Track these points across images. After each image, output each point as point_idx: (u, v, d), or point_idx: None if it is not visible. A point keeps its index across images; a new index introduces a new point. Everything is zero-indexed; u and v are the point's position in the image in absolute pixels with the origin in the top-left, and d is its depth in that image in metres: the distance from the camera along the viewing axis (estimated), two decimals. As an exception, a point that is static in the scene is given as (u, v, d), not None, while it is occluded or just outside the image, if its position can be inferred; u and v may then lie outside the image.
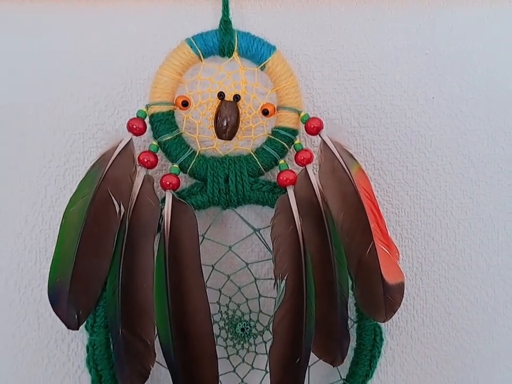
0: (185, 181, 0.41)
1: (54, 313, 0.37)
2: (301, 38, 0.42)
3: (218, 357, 0.39)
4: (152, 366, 0.39)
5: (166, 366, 0.38)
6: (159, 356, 0.39)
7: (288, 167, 0.40)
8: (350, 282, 0.40)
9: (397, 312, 0.39)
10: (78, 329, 0.38)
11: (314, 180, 0.40)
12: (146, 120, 0.40)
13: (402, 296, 0.39)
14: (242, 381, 0.43)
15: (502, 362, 0.46)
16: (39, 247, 0.42)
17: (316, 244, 0.39)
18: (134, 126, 0.39)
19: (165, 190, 0.39)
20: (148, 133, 0.40)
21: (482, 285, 0.46)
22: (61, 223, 0.37)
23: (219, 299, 0.42)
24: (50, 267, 0.37)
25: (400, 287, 0.39)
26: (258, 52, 0.39)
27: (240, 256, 0.43)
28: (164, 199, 0.39)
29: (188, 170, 0.40)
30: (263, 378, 0.43)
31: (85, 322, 0.39)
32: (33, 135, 0.42)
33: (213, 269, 0.42)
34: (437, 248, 0.45)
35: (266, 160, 0.40)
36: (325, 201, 0.39)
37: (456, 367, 0.46)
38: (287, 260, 0.38)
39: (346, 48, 0.43)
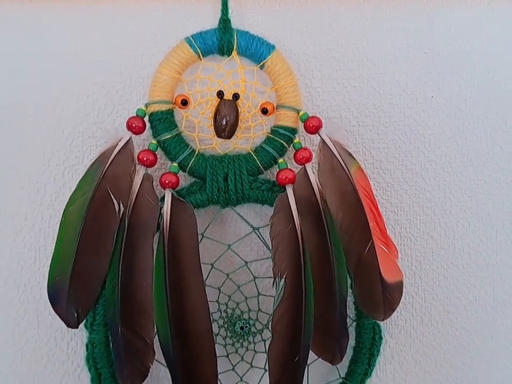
0: (185, 180, 0.41)
1: (53, 312, 0.38)
2: (300, 37, 0.42)
3: (217, 355, 0.39)
4: (152, 364, 0.39)
5: (165, 364, 0.38)
6: (159, 354, 0.39)
7: (287, 166, 0.40)
8: (349, 280, 0.40)
9: (395, 311, 0.39)
10: (77, 327, 0.39)
11: (313, 178, 0.40)
12: (146, 118, 0.40)
13: (401, 295, 0.39)
14: (242, 379, 0.43)
15: (501, 361, 0.46)
16: (38, 246, 0.43)
17: (315, 243, 0.39)
18: (134, 125, 0.39)
19: (164, 189, 0.39)
20: (147, 131, 0.40)
21: (481, 284, 0.46)
22: (61, 221, 0.37)
23: (218, 297, 0.42)
24: (50, 265, 0.38)
25: (399, 286, 0.39)
26: (257, 50, 0.39)
27: (239, 254, 0.43)
28: (163, 198, 0.39)
29: (187, 169, 0.40)
30: (262, 377, 0.43)
31: (85, 320, 0.39)
32: (33, 134, 0.42)
33: (212, 268, 0.42)
34: (436, 247, 0.45)
35: (265, 159, 0.40)
36: (324, 200, 0.39)
37: (455, 365, 0.46)
38: (286, 258, 0.38)
39: (346, 47, 0.43)
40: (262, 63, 0.40)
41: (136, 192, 0.39)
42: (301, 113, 0.40)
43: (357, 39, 0.43)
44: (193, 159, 0.40)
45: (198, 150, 0.40)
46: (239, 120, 0.40)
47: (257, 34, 0.40)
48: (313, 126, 0.40)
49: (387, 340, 0.45)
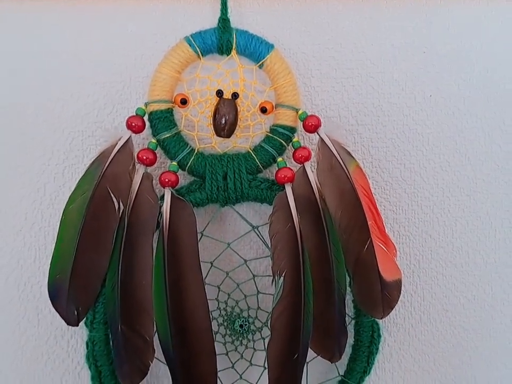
0: (184, 179, 0.41)
1: (53, 310, 0.38)
2: (299, 36, 0.42)
3: (217, 353, 0.39)
4: (151, 362, 0.39)
5: (165, 362, 0.38)
6: (158, 352, 0.39)
7: (286, 165, 0.40)
8: (347, 279, 0.40)
9: (394, 309, 0.39)
10: (77, 325, 0.39)
11: (312, 177, 0.40)
12: (145, 118, 0.40)
13: (400, 293, 0.39)
14: (241, 377, 0.43)
15: (499, 359, 0.46)
16: (38, 244, 0.43)
17: (313, 241, 0.39)
18: (133, 124, 0.39)
19: (163, 187, 0.39)
20: (147, 130, 0.40)
21: (480, 282, 0.46)
22: (61, 220, 0.38)
23: (218, 296, 0.43)
24: (50, 264, 0.38)
25: (398, 284, 0.39)
26: (256, 50, 0.39)
27: (238, 253, 0.43)
28: (162, 197, 0.39)
29: (187, 167, 0.40)
30: (261, 375, 0.43)
31: (85, 318, 0.39)
32: (33, 133, 0.42)
33: (211, 266, 0.42)
34: (435, 246, 0.45)
35: (264, 157, 0.40)
36: (323, 199, 0.39)
37: (454, 364, 0.46)
38: (285, 256, 0.39)
39: (344, 46, 0.43)
40: (261, 62, 0.40)
41: (136, 191, 0.39)
42: (300, 112, 0.40)
43: (356, 39, 0.43)
44: (193, 158, 0.40)
45: (198, 149, 0.41)
46: (238, 119, 0.40)
47: (256, 33, 0.40)
48: (312, 125, 0.40)
49: (386, 338, 0.45)
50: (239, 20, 0.41)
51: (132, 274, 0.39)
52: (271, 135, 0.41)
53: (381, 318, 0.40)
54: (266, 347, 0.39)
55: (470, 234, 0.45)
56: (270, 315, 0.39)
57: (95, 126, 0.42)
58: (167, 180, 0.39)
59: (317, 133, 0.40)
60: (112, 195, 0.38)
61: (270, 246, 0.39)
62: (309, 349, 0.39)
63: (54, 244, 0.38)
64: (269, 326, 0.39)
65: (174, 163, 0.40)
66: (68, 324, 0.38)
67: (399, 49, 0.43)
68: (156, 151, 0.40)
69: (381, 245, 0.38)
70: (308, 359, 0.40)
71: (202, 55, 0.40)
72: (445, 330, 0.46)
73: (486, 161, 0.45)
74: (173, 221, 0.38)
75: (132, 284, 0.39)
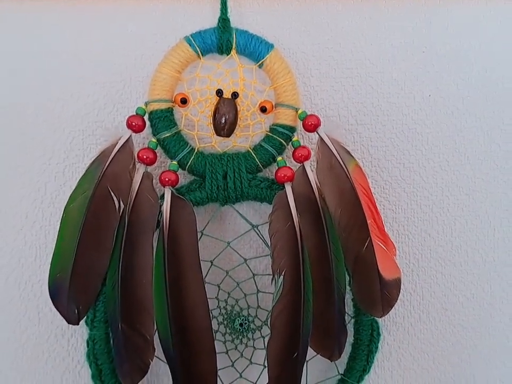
0: (184, 178, 0.42)
1: (54, 309, 0.38)
2: (298, 36, 0.43)
3: (217, 351, 0.39)
4: (152, 361, 0.40)
5: (165, 361, 0.39)
6: (158, 350, 0.39)
7: (286, 164, 0.40)
8: (347, 278, 0.40)
9: (393, 308, 0.39)
10: (78, 324, 0.39)
11: (311, 176, 0.40)
12: (146, 117, 0.40)
13: (399, 292, 0.39)
14: (241, 376, 0.44)
15: (498, 358, 0.47)
16: (39, 243, 0.43)
17: (313, 240, 0.39)
18: (133, 123, 0.39)
19: (164, 187, 0.40)
20: (147, 130, 0.40)
21: (479, 281, 0.46)
22: (61, 219, 0.38)
23: (218, 294, 0.43)
24: (51, 263, 0.38)
25: (397, 283, 0.39)
26: (256, 49, 0.40)
27: (238, 252, 0.43)
28: (163, 196, 0.39)
29: (187, 167, 0.40)
30: (261, 373, 0.43)
31: (85, 317, 0.40)
32: (33, 133, 0.42)
33: (211, 265, 0.42)
34: (434, 245, 0.45)
35: (264, 157, 0.41)
36: (323, 198, 0.40)
37: (453, 362, 0.46)
38: (284, 255, 0.39)
39: (344, 46, 0.43)
40: (260, 62, 0.40)
41: (136, 190, 0.39)
42: (300, 111, 0.40)
43: (355, 38, 0.43)
44: (193, 157, 0.40)
45: (198, 148, 0.41)
46: (238, 119, 0.40)
47: (256, 33, 0.40)
48: (311, 124, 0.40)
49: (385, 336, 0.45)
50: (239, 20, 0.41)
51: (132, 273, 0.39)
52: (270, 134, 0.41)
53: (381, 317, 0.40)
54: (266, 346, 0.39)
55: (469, 233, 0.45)
56: (270, 314, 0.39)
57: (95, 125, 0.42)
58: (167, 179, 0.39)
59: (317, 132, 0.40)
60: (113, 194, 0.38)
61: (269, 245, 0.40)
62: (309, 347, 0.39)
63: (55, 243, 0.38)
64: (269, 325, 0.39)
65: (174, 162, 0.40)
66: (68, 323, 0.38)
67: (398, 49, 0.43)
68: (156, 150, 0.40)
69: (380, 244, 0.39)
70: (307, 358, 0.40)
71: (202, 55, 0.40)
72: (444, 329, 0.46)
73: (485, 161, 0.45)
74: (173, 220, 0.39)
75: (132, 283, 0.39)
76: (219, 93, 0.40)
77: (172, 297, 0.38)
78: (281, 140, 0.40)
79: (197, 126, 0.41)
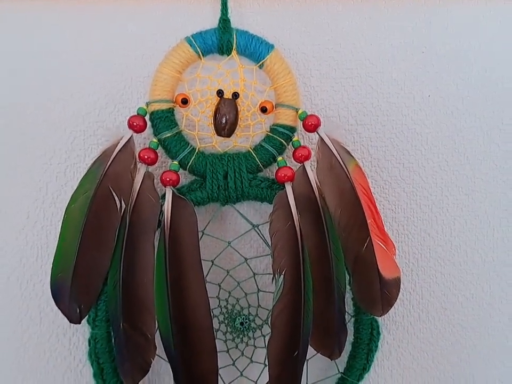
0: (185, 178, 0.42)
1: (55, 308, 0.38)
2: (298, 36, 0.43)
3: (217, 350, 0.39)
4: (153, 359, 0.40)
5: (167, 360, 0.39)
6: (160, 349, 0.39)
7: (286, 164, 0.40)
8: (347, 277, 0.40)
9: (393, 307, 0.39)
10: (80, 323, 0.39)
11: (312, 176, 0.40)
12: (147, 117, 0.40)
13: (399, 291, 0.39)
14: (242, 374, 0.44)
15: (497, 358, 0.47)
16: (40, 243, 0.43)
17: (313, 240, 0.40)
18: (135, 123, 0.39)
19: (165, 187, 0.40)
20: (148, 130, 0.40)
21: (478, 281, 0.46)
22: (63, 219, 0.38)
23: (218, 294, 0.43)
24: (52, 263, 0.38)
25: (397, 282, 0.39)
26: (256, 50, 0.40)
27: (239, 251, 0.43)
28: (164, 195, 0.40)
29: (188, 167, 0.40)
30: (262, 372, 0.43)
31: (87, 316, 0.40)
32: (34, 133, 0.42)
33: (212, 264, 0.43)
34: (433, 244, 0.45)
35: (264, 157, 0.41)
36: (323, 198, 0.40)
37: (452, 362, 0.46)
38: (285, 255, 0.39)
39: (344, 46, 0.43)
40: (261, 62, 0.40)
41: (137, 190, 0.39)
42: (300, 111, 0.40)
43: (355, 39, 0.43)
44: (194, 157, 0.40)
45: (198, 148, 0.41)
46: (239, 119, 0.40)
47: (256, 33, 0.40)
48: (311, 125, 0.40)
49: (385, 335, 0.45)
50: (239, 20, 0.41)
51: (134, 273, 0.39)
52: (271, 134, 0.41)
53: (380, 316, 0.40)
54: (266, 344, 0.39)
55: (469, 233, 0.45)
56: (270, 313, 0.39)
57: (96, 126, 0.42)
58: (168, 179, 0.39)
59: (317, 133, 0.40)
60: (114, 194, 0.38)
61: (270, 245, 0.40)
62: (309, 346, 0.39)
63: (56, 243, 0.38)
64: (269, 324, 0.39)
65: (175, 162, 0.40)
66: (70, 322, 0.39)
67: (398, 49, 0.43)
68: (157, 151, 0.40)
69: (380, 244, 0.39)
70: (307, 357, 0.40)
71: (202, 55, 0.40)
72: (444, 328, 0.46)
73: (484, 161, 0.45)
74: (174, 220, 0.39)
75: (133, 282, 0.39)
76: (220, 93, 0.40)
77: (173, 297, 0.38)
78: (282, 140, 0.41)
79: (197, 126, 0.41)
